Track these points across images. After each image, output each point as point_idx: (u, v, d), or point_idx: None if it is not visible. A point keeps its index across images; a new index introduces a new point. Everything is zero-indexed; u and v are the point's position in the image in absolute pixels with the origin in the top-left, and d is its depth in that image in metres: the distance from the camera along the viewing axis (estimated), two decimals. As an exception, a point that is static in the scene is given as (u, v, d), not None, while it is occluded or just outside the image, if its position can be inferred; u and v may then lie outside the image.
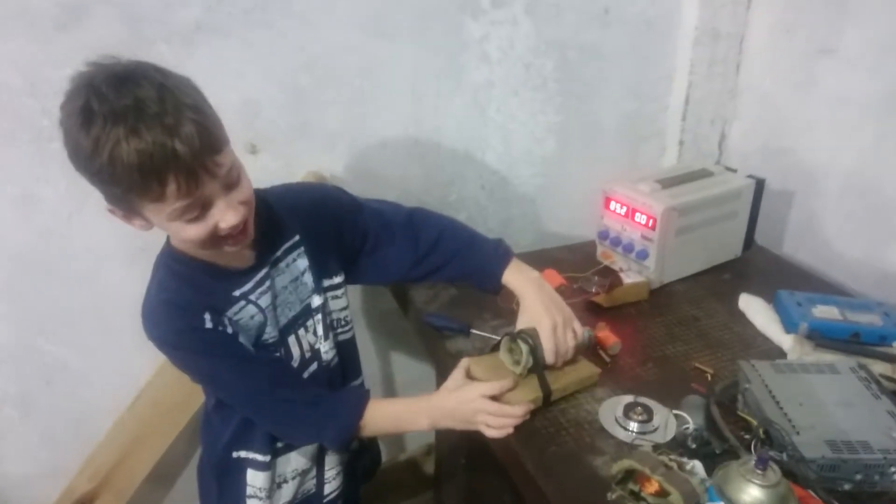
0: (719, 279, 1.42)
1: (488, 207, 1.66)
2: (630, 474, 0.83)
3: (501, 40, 1.50)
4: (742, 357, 1.10)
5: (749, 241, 1.49)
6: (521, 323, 1.09)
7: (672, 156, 1.77)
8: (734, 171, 1.49)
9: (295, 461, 1.15)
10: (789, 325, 1.20)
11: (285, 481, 1.16)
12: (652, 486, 0.79)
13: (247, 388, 1.03)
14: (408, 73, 1.45)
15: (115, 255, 1.33)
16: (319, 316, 1.11)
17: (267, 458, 1.11)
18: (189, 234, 0.89)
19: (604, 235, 1.41)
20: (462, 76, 1.50)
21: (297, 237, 1.08)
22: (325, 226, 1.12)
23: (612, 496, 0.83)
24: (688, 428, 0.95)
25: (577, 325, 1.09)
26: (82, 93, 0.81)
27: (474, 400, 1.00)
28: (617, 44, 1.61)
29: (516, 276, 1.14)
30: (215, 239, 0.91)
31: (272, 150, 1.40)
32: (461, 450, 1.33)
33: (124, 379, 1.43)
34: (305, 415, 1.06)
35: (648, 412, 1.00)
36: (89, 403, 1.44)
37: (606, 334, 1.16)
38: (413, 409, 1.08)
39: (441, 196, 1.60)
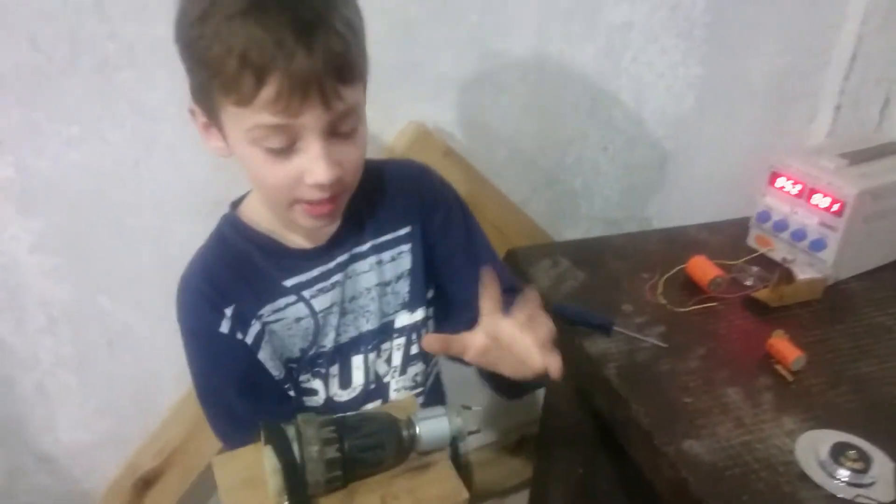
0: (904, 277, 1.18)
1: (609, 173, 1.43)
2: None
3: (648, -28, 1.25)
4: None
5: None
6: None
7: (825, 121, 1.51)
8: (930, 146, 1.23)
9: None
10: None
11: None
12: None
13: (224, 429, 0.81)
14: (534, 8, 1.21)
15: (186, 208, 1.14)
16: (402, 340, 0.87)
17: None
18: (265, 173, 0.68)
19: (764, 217, 1.18)
20: (597, 16, 1.25)
21: (408, 228, 0.85)
22: (439, 224, 0.87)
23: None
24: (929, 488, 0.74)
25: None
26: None
27: None
28: (782, -17, 1.34)
29: None
30: (293, 196, 0.70)
31: (371, 95, 1.17)
32: (578, 458, 1.14)
33: (193, 348, 1.27)
34: None
35: (864, 458, 0.79)
36: (153, 371, 1.28)
37: (786, 345, 0.95)
38: None
39: (557, 157, 1.37)
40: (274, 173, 0.68)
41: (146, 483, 1.32)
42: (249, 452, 0.67)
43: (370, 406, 0.86)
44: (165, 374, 1.29)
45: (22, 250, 1.09)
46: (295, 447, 0.60)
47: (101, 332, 1.23)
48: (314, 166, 0.67)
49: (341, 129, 0.68)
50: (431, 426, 0.65)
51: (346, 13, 0.65)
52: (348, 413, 0.66)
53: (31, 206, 1.06)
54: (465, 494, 0.65)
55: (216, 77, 0.63)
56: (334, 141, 0.68)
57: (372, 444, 0.63)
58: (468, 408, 0.66)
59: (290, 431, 0.61)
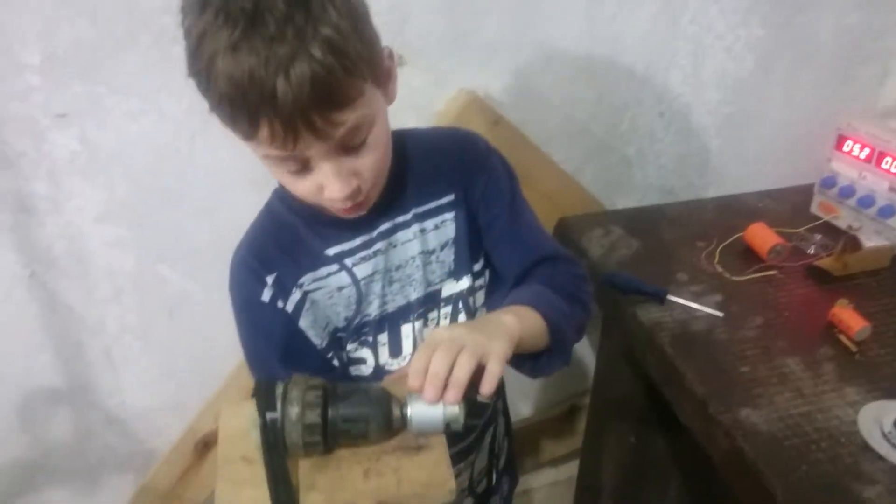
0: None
1: (664, 139, 1.38)
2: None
3: (708, -74, 1.20)
4: None
5: None
6: None
7: (897, 82, 1.44)
8: None
9: None
10: None
11: None
12: None
13: None
14: (588, -31, 1.18)
15: (241, 180, 1.16)
16: (449, 309, 0.86)
17: None
18: (291, 187, 0.71)
19: (829, 183, 1.13)
20: (653, -25, 1.21)
21: (451, 196, 0.83)
22: (482, 191, 0.85)
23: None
24: None
25: (495, 367, 0.62)
26: None
27: None
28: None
29: None
30: (322, 203, 0.72)
31: (422, 63, 1.17)
32: (630, 427, 1.13)
33: (250, 317, 1.30)
34: None
35: (931, 430, 0.76)
36: (211, 338, 1.32)
37: (851, 315, 0.91)
38: None
39: (610, 124, 1.34)
40: (298, 187, 0.71)
41: (206, 445, 1.37)
42: (246, 409, 0.64)
43: None
44: (222, 341, 1.31)
45: (87, 221, 1.13)
46: (279, 405, 0.59)
47: (163, 301, 1.26)
48: (331, 185, 0.68)
49: (350, 143, 0.67)
50: (424, 410, 0.62)
51: (325, 31, 0.60)
52: (343, 382, 0.65)
53: (95, 177, 1.09)
54: (451, 484, 0.61)
55: (218, 114, 0.65)
56: (346, 155, 0.68)
57: (356, 416, 0.61)
58: (477, 398, 0.62)
59: (279, 389, 0.60)
